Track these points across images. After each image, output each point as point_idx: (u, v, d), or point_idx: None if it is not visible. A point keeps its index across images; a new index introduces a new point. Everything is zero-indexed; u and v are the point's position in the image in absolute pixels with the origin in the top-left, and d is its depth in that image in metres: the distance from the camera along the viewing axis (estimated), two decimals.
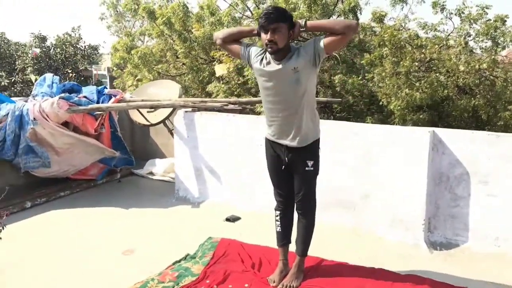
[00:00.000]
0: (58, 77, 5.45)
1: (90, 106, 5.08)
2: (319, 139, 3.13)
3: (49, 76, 5.48)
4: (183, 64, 10.08)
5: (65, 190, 5.41)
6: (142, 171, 6.31)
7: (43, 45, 21.71)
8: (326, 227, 4.30)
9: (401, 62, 7.33)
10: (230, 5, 10.78)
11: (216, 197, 5.05)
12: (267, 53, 2.92)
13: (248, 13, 10.52)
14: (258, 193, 4.70)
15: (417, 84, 7.40)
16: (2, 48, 22.55)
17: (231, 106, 5.12)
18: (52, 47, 21.91)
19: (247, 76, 7.95)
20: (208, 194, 5.10)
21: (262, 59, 2.95)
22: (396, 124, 7.96)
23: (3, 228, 2.97)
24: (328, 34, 2.80)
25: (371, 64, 7.98)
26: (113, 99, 5.34)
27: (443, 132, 3.85)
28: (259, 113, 6.08)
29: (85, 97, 5.29)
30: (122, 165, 5.94)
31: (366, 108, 8.76)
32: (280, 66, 2.86)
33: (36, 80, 21.63)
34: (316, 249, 3.75)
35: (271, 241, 3.56)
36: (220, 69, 9.19)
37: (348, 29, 2.75)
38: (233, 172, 4.92)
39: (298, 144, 3.01)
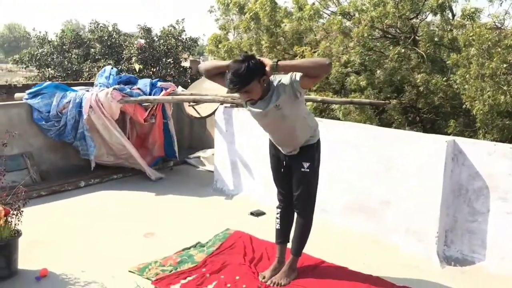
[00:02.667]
0: (115, 69, 5.93)
1: (139, 98, 5.49)
2: (316, 143, 3.19)
3: (108, 68, 5.99)
4: (270, 59, 10.28)
5: (118, 173, 5.91)
6: (192, 155, 6.68)
7: (148, 36, 23.21)
8: (346, 230, 4.30)
9: (486, 64, 6.84)
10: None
11: (249, 191, 5.21)
12: None
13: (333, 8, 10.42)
14: None
15: (505, 87, 6.87)
16: (113, 38, 24.53)
17: None
18: (157, 38, 23.38)
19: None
20: (242, 188, 5.28)
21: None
22: (480, 130, 7.47)
23: (21, 214, 3.36)
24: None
25: (457, 64, 7.57)
26: (163, 91, 5.70)
27: (463, 142, 3.64)
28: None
29: (139, 88, 5.72)
30: (170, 156, 6.29)
31: (454, 111, 8.31)
32: (263, 108, 2.92)
33: (140, 69, 22.95)
34: (326, 250, 3.84)
35: None
36: None
37: (319, 70, 2.77)
38: (266, 168, 5.00)
39: (295, 153, 3.17)
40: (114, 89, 5.43)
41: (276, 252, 3.48)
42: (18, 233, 3.36)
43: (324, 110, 8.54)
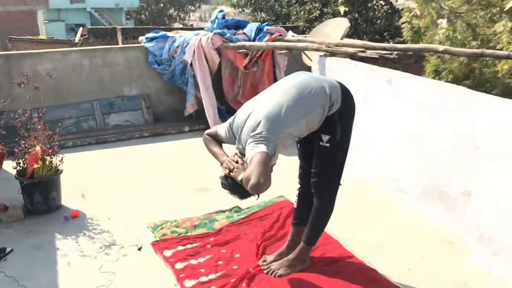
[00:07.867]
0: (223, 13, 5.67)
1: (237, 44, 5.18)
2: (337, 113, 2.55)
3: (216, 12, 5.78)
4: None
5: None
6: None
7: None
8: (417, 218, 3.41)
9: None
10: None
11: None
12: None
13: None
14: (371, 159, 4.03)
15: None
16: None
17: (369, 53, 4.35)
18: None
19: None
20: None
21: None
22: None
23: (62, 161, 3.55)
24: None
25: None
26: (266, 37, 5.27)
27: None
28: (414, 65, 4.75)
29: (244, 33, 5.41)
30: None
31: None
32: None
33: (344, 12, 22.32)
34: (376, 239, 3.21)
35: (341, 216, 3.06)
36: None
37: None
38: (359, 124, 4.27)
39: None
40: (214, 34, 5.23)
41: (289, 234, 2.93)
42: (57, 173, 3.55)
43: None
